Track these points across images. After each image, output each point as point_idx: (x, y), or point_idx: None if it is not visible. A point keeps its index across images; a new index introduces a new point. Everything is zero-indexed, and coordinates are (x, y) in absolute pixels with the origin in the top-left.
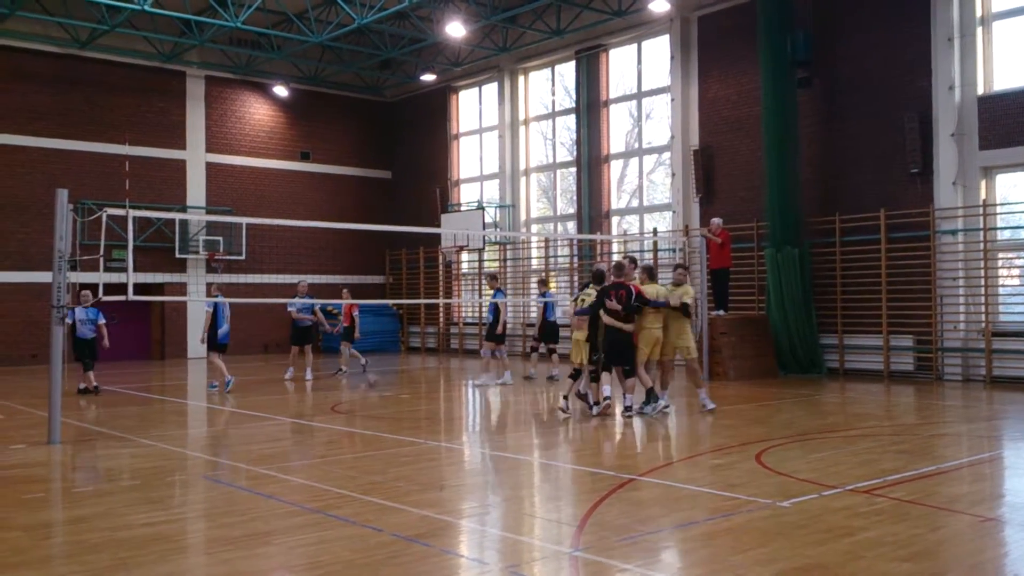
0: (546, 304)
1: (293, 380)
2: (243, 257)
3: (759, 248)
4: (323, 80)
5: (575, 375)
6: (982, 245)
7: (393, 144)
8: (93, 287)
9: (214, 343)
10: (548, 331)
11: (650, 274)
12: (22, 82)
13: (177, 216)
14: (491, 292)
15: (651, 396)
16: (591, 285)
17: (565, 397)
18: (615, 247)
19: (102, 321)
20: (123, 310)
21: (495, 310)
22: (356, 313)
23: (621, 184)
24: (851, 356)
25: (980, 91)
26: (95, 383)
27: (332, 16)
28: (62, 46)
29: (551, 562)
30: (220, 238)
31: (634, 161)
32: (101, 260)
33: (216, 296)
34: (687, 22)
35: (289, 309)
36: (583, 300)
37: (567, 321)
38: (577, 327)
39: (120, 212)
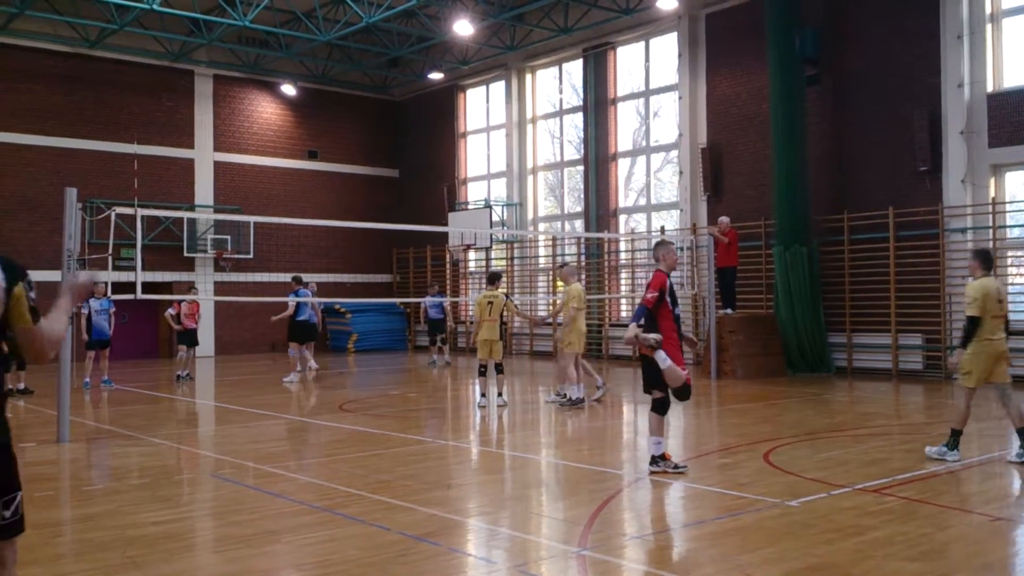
0: (298, 304)
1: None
2: (251, 256)
3: (767, 246)
4: (331, 79)
5: (483, 371)
6: (991, 243)
7: (401, 143)
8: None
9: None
10: (296, 330)
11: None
12: (31, 81)
13: (185, 215)
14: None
15: (955, 438)
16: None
17: (483, 395)
18: (622, 245)
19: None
20: (131, 309)
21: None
22: (199, 314)
23: (628, 182)
24: (859, 355)
25: (989, 88)
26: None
27: (340, 15)
28: (71, 45)
29: (559, 561)
30: (228, 237)
31: (641, 159)
32: (110, 259)
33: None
34: (695, 20)
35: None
36: (490, 302)
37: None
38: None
39: (129, 211)
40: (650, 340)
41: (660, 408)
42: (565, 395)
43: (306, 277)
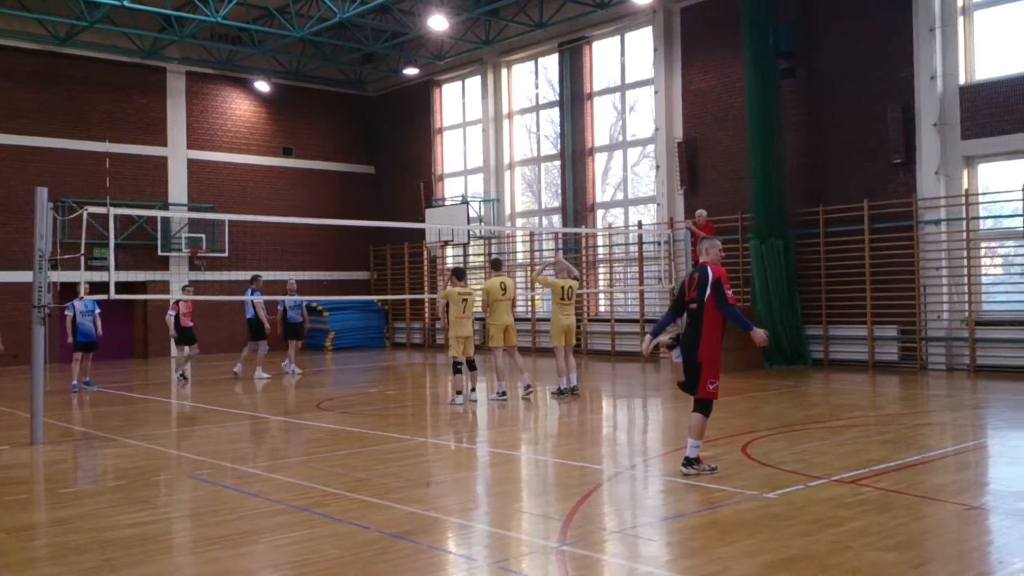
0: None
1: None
2: (226, 254)
3: (743, 240)
4: (305, 75)
5: (458, 368)
6: (965, 235)
7: (376, 139)
8: (74, 286)
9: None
10: (252, 328)
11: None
12: (0, 79)
13: (159, 214)
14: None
15: None
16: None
17: (459, 392)
18: (600, 240)
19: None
20: (105, 309)
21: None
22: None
23: (605, 177)
24: (836, 347)
25: (962, 81)
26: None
27: (313, 10)
28: (41, 43)
29: (539, 557)
30: (203, 235)
31: (618, 154)
32: (82, 259)
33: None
34: (670, 14)
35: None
36: (464, 299)
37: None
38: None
39: (101, 210)
40: (760, 333)
41: (705, 409)
42: (503, 392)
43: (287, 275)
